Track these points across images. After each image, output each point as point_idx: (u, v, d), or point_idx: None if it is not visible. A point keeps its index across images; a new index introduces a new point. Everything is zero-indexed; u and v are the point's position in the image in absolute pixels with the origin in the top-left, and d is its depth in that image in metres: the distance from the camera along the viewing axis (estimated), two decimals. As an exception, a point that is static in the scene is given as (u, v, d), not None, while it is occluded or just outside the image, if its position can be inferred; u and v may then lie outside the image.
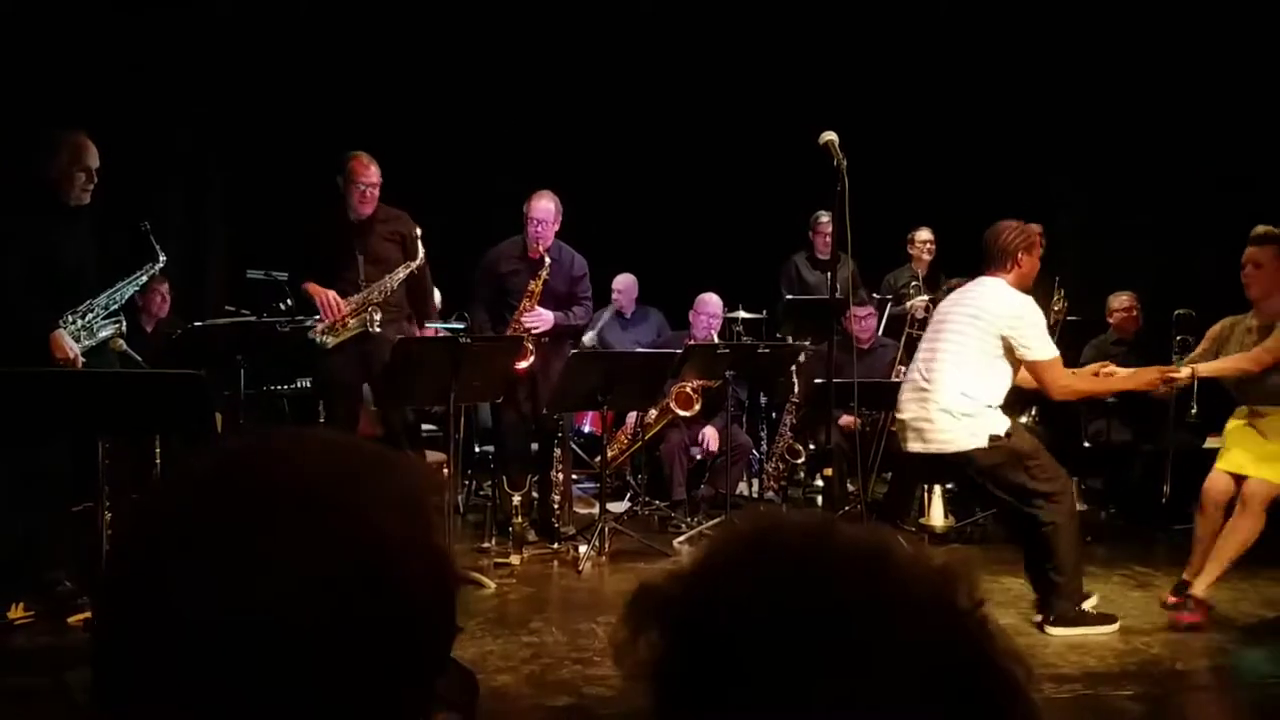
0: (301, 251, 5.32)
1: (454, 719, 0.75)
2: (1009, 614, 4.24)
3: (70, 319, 4.19)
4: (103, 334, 4.30)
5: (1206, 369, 4.37)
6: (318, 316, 5.05)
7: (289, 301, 5.68)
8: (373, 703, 0.66)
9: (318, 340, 5.03)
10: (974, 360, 4.10)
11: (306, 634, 0.64)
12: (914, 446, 4.23)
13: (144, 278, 4.54)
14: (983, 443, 4.05)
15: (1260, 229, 4.32)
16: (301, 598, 0.64)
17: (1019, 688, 0.64)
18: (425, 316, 5.56)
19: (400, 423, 5.26)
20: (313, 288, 5.11)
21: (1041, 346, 4.11)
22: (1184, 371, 4.35)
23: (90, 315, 4.26)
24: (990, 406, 4.11)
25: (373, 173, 5.12)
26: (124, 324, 4.44)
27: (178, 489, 0.70)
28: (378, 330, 5.04)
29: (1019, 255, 4.16)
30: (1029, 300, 4.17)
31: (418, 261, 5.16)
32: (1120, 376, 4.44)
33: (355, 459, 0.71)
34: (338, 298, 5.04)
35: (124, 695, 0.66)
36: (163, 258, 4.51)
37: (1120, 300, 6.47)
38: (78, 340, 4.17)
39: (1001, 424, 4.11)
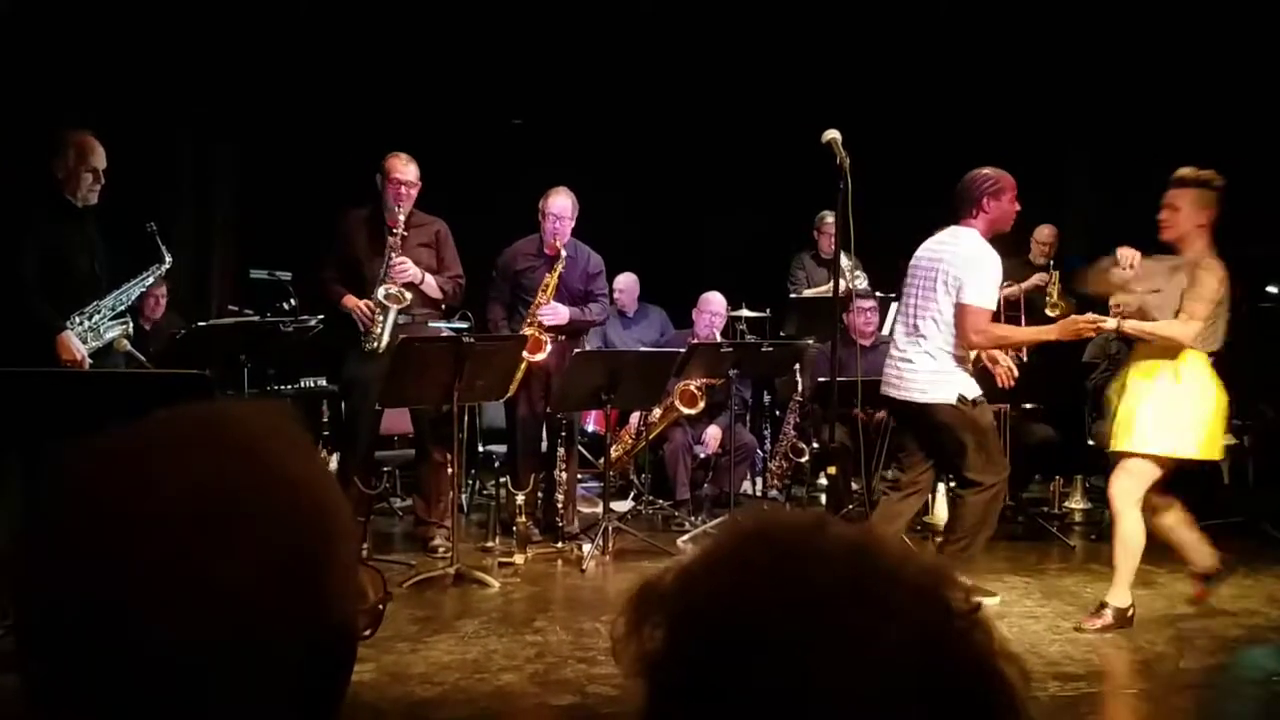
0: (332, 253, 5.25)
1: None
2: (1012, 611, 4.25)
3: (77, 320, 4.20)
4: (109, 335, 4.30)
5: (1134, 328, 4.09)
6: (363, 330, 5.02)
7: (292, 301, 5.69)
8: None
9: (369, 347, 5.00)
10: (948, 315, 4.16)
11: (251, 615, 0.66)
12: (889, 392, 4.34)
13: (151, 279, 4.54)
14: (950, 399, 4.16)
15: (1181, 171, 4.11)
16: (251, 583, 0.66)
17: (1012, 689, 0.64)
18: (447, 270, 5.37)
19: (426, 420, 5.25)
20: (350, 301, 5.06)
21: (978, 292, 4.11)
22: (1111, 322, 4.13)
23: (97, 316, 4.27)
24: (963, 364, 4.21)
25: (410, 171, 5.09)
26: (130, 325, 4.44)
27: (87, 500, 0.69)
28: (408, 299, 5.02)
29: (984, 201, 4.17)
30: (991, 252, 4.18)
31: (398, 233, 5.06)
32: (1043, 327, 4.41)
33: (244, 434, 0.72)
34: (366, 302, 5.03)
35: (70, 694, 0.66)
36: (169, 259, 4.51)
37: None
38: (85, 342, 4.18)
39: (973, 388, 4.21)
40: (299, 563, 0.68)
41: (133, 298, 4.45)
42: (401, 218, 5.03)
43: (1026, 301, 6.38)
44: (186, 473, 0.67)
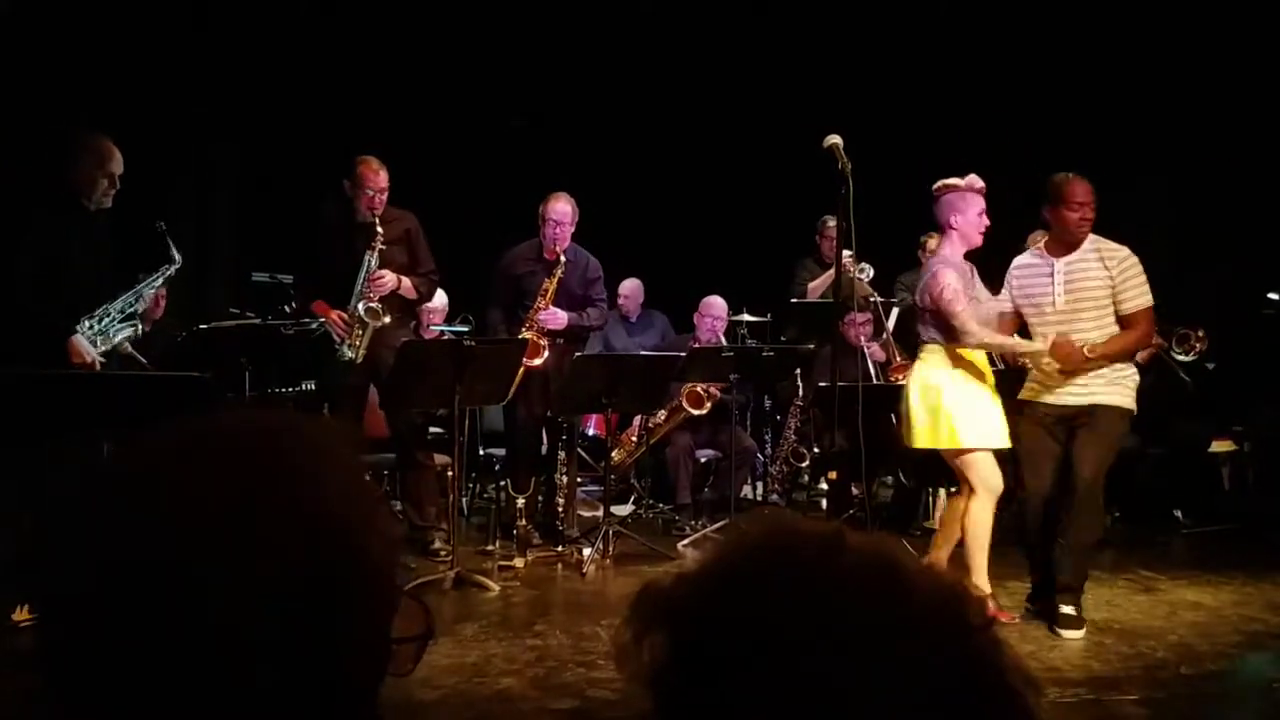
0: (312, 259, 5.27)
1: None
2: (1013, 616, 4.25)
3: (87, 324, 4.18)
4: (118, 337, 4.27)
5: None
6: (337, 340, 5.03)
7: (294, 304, 5.69)
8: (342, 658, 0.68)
9: (346, 357, 5.00)
10: None
11: (287, 609, 0.66)
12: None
13: (160, 280, 4.48)
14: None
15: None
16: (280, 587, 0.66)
17: (1027, 706, 0.64)
18: (421, 267, 5.38)
19: (405, 425, 5.25)
20: (321, 307, 5.08)
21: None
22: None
23: (106, 319, 4.24)
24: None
25: (382, 179, 5.08)
26: (140, 327, 4.41)
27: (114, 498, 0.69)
28: (387, 320, 5.03)
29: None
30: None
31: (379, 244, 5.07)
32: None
33: (290, 449, 0.72)
34: (340, 314, 5.04)
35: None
36: (178, 259, 4.44)
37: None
38: (95, 345, 4.16)
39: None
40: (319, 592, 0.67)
41: (144, 299, 4.42)
42: (380, 228, 5.03)
43: None
44: (232, 476, 0.67)
